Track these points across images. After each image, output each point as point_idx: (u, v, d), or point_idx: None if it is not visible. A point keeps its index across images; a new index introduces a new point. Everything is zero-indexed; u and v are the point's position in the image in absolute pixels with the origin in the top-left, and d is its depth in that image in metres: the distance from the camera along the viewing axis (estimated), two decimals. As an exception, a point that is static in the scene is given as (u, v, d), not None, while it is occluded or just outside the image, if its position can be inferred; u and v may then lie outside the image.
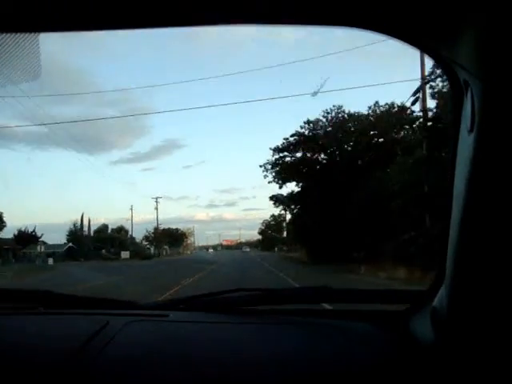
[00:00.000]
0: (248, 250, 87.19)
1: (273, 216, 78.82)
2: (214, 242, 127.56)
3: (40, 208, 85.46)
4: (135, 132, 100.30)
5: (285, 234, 66.72)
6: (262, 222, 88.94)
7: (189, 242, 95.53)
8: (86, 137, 72.07)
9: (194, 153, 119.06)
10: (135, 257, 52.49)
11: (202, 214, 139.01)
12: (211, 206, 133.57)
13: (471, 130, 0.67)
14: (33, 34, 0.73)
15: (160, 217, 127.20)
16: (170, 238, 79.10)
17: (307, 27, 0.70)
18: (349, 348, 1.04)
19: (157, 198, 64.09)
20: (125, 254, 53.50)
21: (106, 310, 1.37)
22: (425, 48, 0.73)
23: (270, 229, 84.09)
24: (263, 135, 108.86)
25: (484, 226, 0.68)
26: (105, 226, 60.96)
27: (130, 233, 63.02)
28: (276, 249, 39.44)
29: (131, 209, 69.97)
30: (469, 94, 0.68)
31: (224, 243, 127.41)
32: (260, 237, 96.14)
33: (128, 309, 1.41)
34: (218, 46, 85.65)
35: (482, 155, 0.65)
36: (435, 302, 0.91)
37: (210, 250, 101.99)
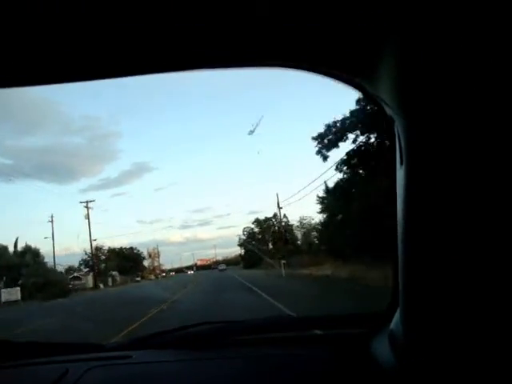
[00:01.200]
0: (224, 267, 76.01)
1: (256, 221, 60.12)
2: (189, 262, 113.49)
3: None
4: (104, 158, 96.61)
5: (270, 246, 53.40)
6: (241, 233, 67.83)
7: (155, 264, 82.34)
8: (54, 166, 70.45)
9: (165, 175, 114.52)
10: (42, 292, 31.10)
11: (176, 236, 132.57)
12: (185, 226, 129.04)
13: (401, 163, 0.70)
14: None
15: (133, 241, 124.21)
16: (122, 260, 61.16)
17: (239, 69, 0.71)
18: (311, 376, 1.04)
19: (87, 203, 43.55)
20: (9, 293, 29.35)
21: (66, 357, 1.32)
22: (353, 84, 0.74)
23: (254, 239, 60.46)
24: (232, 153, 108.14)
25: (427, 250, 0.70)
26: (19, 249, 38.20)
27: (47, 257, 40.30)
28: (282, 263, 25.02)
29: (51, 220, 42.83)
30: (395, 130, 0.71)
31: (199, 263, 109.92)
32: (239, 251, 74.47)
33: (89, 352, 1.37)
34: (187, 76, 79.48)
35: (414, 186, 0.69)
36: (392, 324, 0.91)
37: (190, 272, 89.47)
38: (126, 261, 62.55)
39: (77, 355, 1.33)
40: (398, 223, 0.78)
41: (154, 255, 78.53)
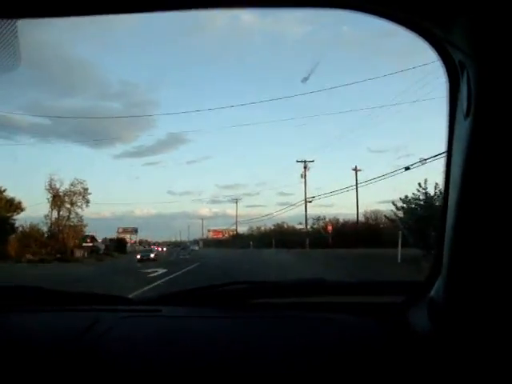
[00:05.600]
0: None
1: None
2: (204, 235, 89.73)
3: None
4: (140, 125, 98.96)
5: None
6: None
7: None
8: (89, 130, 70.89)
9: (199, 148, 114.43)
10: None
11: (205, 210, 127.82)
12: (214, 201, 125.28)
13: (467, 115, 0.66)
14: (10, 21, 0.71)
15: (163, 211, 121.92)
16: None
17: (301, 9, 0.73)
18: (345, 342, 1.03)
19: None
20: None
21: (96, 306, 1.35)
22: (418, 28, 0.71)
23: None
24: (269, 132, 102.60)
25: (481, 214, 0.67)
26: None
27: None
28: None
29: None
30: (464, 77, 0.67)
31: (211, 235, 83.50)
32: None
33: (119, 304, 1.39)
34: (223, 40, 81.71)
35: (479, 141, 0.64)
36: (432, 292, 0.89)
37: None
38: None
39: (107, 306, 1.35)
40: (451, 185, 0.74)
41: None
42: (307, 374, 0.90)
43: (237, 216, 69.83)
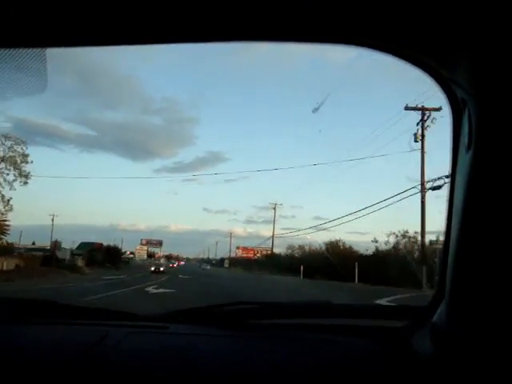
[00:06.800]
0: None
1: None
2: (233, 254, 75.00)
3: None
4: (179, 142, 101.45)
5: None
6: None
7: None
8: (131, 143, 73.86)
9: (237, 167, 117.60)
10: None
11: (239, 229, 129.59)
12: (249, 221, 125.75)
13: (469, 148, 0.68)
14: (39, 49, 0.77)
15: (198, 228, 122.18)
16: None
17: (308, 44, 0.73)
18: (348, 364, 1.03)
19: None
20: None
21: (105, 321, 1.36)
22: (424, 67, 0.74)
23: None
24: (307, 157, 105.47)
25: (482, 243, 0.69)
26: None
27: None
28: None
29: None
30: (466, 112, 0.70)
31: (239, 253, 68.43)
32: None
33: (127, 320, 1.40)
34: (266, 63, 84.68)
35: (480, 172, 0.67)
36: (435, 317, 0.91)
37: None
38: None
39: (117, 321, 1.37)
40: (454, 213, 0.77)
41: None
42: None
43: (274, 230, 49.91)
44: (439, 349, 0.85)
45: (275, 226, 53.18)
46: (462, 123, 0.73)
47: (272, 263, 47.44)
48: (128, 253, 68.23)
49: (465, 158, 0.71)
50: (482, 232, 0.68)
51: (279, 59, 79.65)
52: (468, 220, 0.70)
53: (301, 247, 46.71)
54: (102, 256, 42.28)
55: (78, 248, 40.99)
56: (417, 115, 21.58)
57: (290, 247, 49.17)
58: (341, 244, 38.64)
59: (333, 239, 38.66)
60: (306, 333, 1.25)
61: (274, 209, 45.29)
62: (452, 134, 0.80)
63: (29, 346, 1.12)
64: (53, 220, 43.41)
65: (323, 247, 38.63)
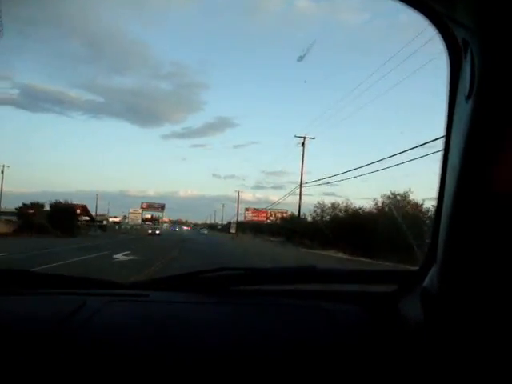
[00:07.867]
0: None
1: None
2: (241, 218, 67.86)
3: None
4: (188, 107, 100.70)
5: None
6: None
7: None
8: (140, 109, 70.47)
9: (246, 133, 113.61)
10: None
11: (248, 195, 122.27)
12: (258, 187, 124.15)
13: (469, 97, 0.62)
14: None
15: (206, 193, 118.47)
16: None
17: None
18: (335, 331, 1.01)
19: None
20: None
21: (84, 290, 1.32)
22: (419, 5, 0.67)
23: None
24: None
25: (479, 202, 0.64)
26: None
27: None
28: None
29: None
30: (468, 56, 0.63)
31: (249, 216, 59.83)
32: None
33: (107, 288, 1.37)
34: (276, 23, 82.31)
35: (481, 124, 0.61)
36: (426, 281, 0.88)
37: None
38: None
39: (95, 290, 1.33)
40: (449, 171, 0.71)
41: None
42: (294, 360, 0.88)
43: (302, 176, 32.06)
44: (430, 314, 0.83)
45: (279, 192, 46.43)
46: (462, 69, 0.67)
47: (293, 228, 33.66)
48: (120, 218, 64.81)
49: (464, 108, 0.65)
50: (479, 194, 0.63)
51: (290, 20, 78.77)
52: (465, 178, 0.65)
53: (335, 206, 32.34)
54: (47, 219, 32.63)
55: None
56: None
57: (319, 206, 33.46)
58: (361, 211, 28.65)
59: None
60: (292, 299, 1.23)
61: (303, 144, 30.94)
62: (449, 83, 0.73)
63: (0, 319, 1.07)
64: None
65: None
